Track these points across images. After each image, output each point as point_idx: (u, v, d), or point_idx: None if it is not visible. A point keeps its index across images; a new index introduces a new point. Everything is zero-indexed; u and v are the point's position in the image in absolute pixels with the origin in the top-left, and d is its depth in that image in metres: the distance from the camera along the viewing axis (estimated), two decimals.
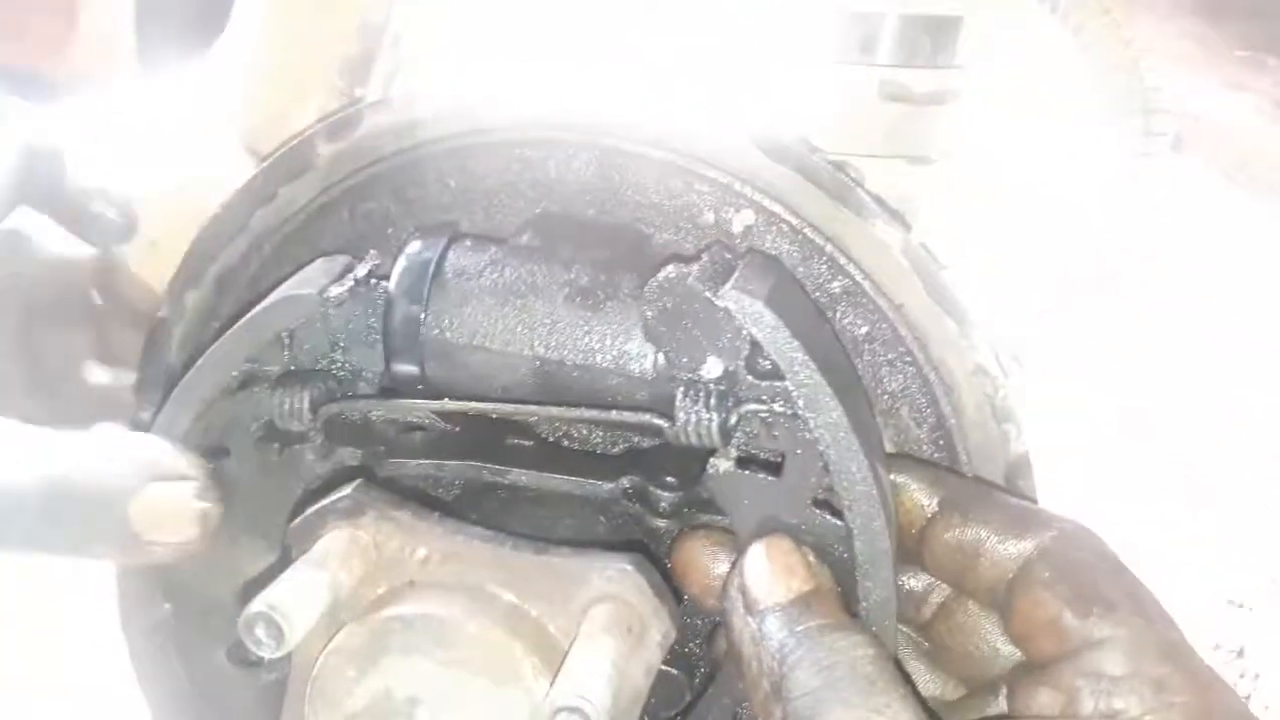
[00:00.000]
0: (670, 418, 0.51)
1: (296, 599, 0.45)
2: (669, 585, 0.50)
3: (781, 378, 0.49)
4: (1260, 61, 0.81)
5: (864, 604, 0.50)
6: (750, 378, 0.51)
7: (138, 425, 0.68)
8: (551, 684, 0.45)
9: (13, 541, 0.55)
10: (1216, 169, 1.15)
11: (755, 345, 0.50)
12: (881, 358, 0.59)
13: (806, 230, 0.58)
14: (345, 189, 0.64)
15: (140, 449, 0.55)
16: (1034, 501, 0.59)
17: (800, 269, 0.59)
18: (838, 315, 0.59)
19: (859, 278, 0.58)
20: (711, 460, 0.52)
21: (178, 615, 0.59)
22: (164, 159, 0.71)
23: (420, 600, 0.47)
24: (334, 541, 0.48)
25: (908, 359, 0.59)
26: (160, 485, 0.53)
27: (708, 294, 0.51)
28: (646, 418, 0.52)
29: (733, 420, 0.51)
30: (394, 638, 0.47)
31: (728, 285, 0.51)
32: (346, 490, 0.50)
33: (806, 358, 0.49)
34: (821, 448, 0.49)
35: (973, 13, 0.62)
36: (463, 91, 0.61)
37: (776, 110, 0.67)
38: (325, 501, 0.50)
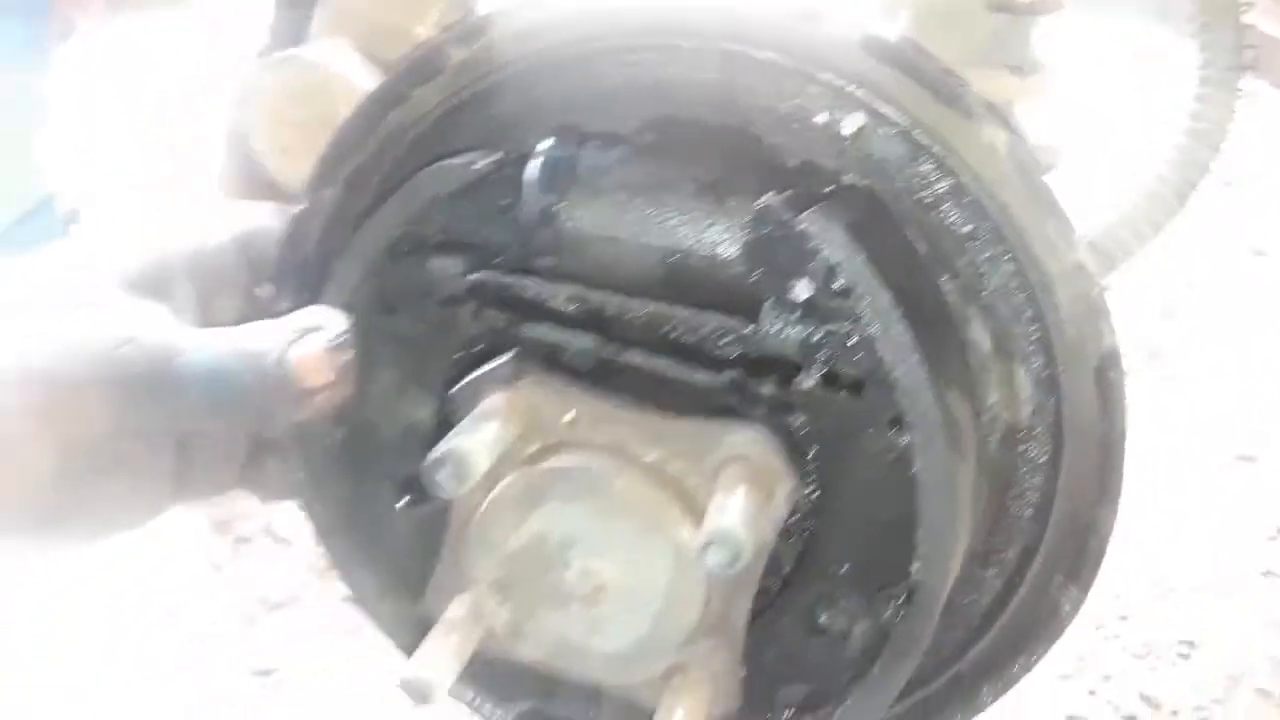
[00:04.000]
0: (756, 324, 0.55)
1: (472, 447, 0.50)
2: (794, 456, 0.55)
3: (854, 295, 0.54)
4: None
5: (921, 530, 0.54)
6: (826, 299, 0.55)
7: (275, 315, 0.73)
8: (693, 529, 0.51)
9: (198, 413, 0.62)
10: (1270, 81, 1.16)
11: (832, 267, 0.54)
12: (983, 255, 0.62)
13: (915, 132, 0.61)
14: (472, 93, 0.68)
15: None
16: (1121, 394, 0.63)
17: (908, 169, 0.62)
18: (943, 213, 0.62)
19: (965, 178, 0.61)
20: (797, 378, 0.56)
21: (351, 442, 0.65)
22: (292, 67, 0.76)
23: (573, 455, 0.53)
24: (495, 402, 0.54)
25: (1008, 257, 0.62)
26: (306, 336, 0.61)
27: (788, 218, 0.55)
28: (733, 321, 0.56)
29: (815, 337, 0.55)
30: (550, 488, 0.53)
31: (810, 210, 0.55)
32: (505, 358, 0.55)
33: (877, 279, 0.53)
34: (887, 366, 0.53)
35: None
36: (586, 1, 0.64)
37: (886, 18, 0.70)
38: (486, 368, 0.56)
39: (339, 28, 0.77)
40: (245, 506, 1.93)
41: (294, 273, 0.73)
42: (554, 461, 0.53)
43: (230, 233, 0.73)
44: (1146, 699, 1.73)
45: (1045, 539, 0.67)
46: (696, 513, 0.52)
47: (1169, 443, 2.13)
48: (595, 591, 0.53)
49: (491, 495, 0.54)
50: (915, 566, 0.54)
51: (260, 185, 0.91)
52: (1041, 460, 0.66)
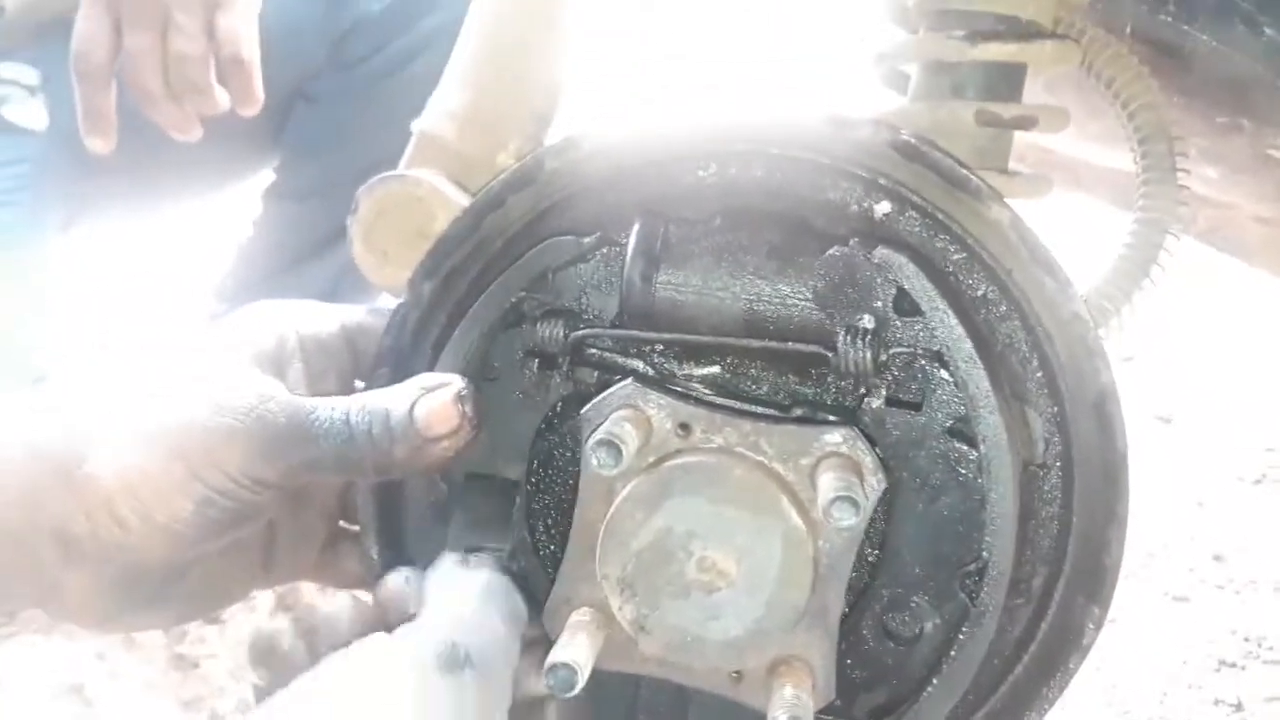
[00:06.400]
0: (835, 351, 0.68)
1: (622, 434, 0.59)
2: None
3: (922, 314, 0.67)
4: (1237, 125, 1.02)
5: (990, 514, 0.65)
6: (895, 316, 0.67)
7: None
8: (799, 515, 0.60)
9: (327, 462, 0.70)
10: (1194, 233, 1.37)
11: (901, 291, 0.67)
12: (995, 313, 0.75)
13: (934, 213, 0.75)
14: (560, 198, 0.80)
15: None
16: (1120, 422, 0.75)
17: (929, 244, 0.76)
18: (960, 280, 0.76)
19: (976, 249, 0.74)
20: (866, 399, 0.68)
21: (450, 497, 0.73)
22: (393, 185, 0.88)
23: (692, 455, 0.62)
24: (623, 413, 0.63)
25: (1015, 314, 0.75)
26: (431, 393, 0.70)
27: (863, 255, 0.69)
28: (817, 348, 0.68)
29: (883, 357, 0.67)
30: (675, 483, 0.62)
31: (879, 248, 0.69)
32: (627, 382, 0.65)
33: (941, 298, 0.66)
34: (950, 372, 0.65)
35: (1035, 63, 0.83)
36: (658, 120, 0.78)
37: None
38: (611, 391, 0.65)
39: (427, 160, 0.90)
40: (219, 681, 1.90)
41: (393, 355, 0.82)
42: (677, 460, 0.62)
43: (340, 322, 0.83)
44: None
45: (1066, 563, 0.76)
46: (799, 503, 0.62)
47: None
48: (714, 579, 0.62)
49: (622, 495, 0.62)
50: (985, 542, 0.64)
51: None
52: (1056, 491, 0.77)
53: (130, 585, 0.72)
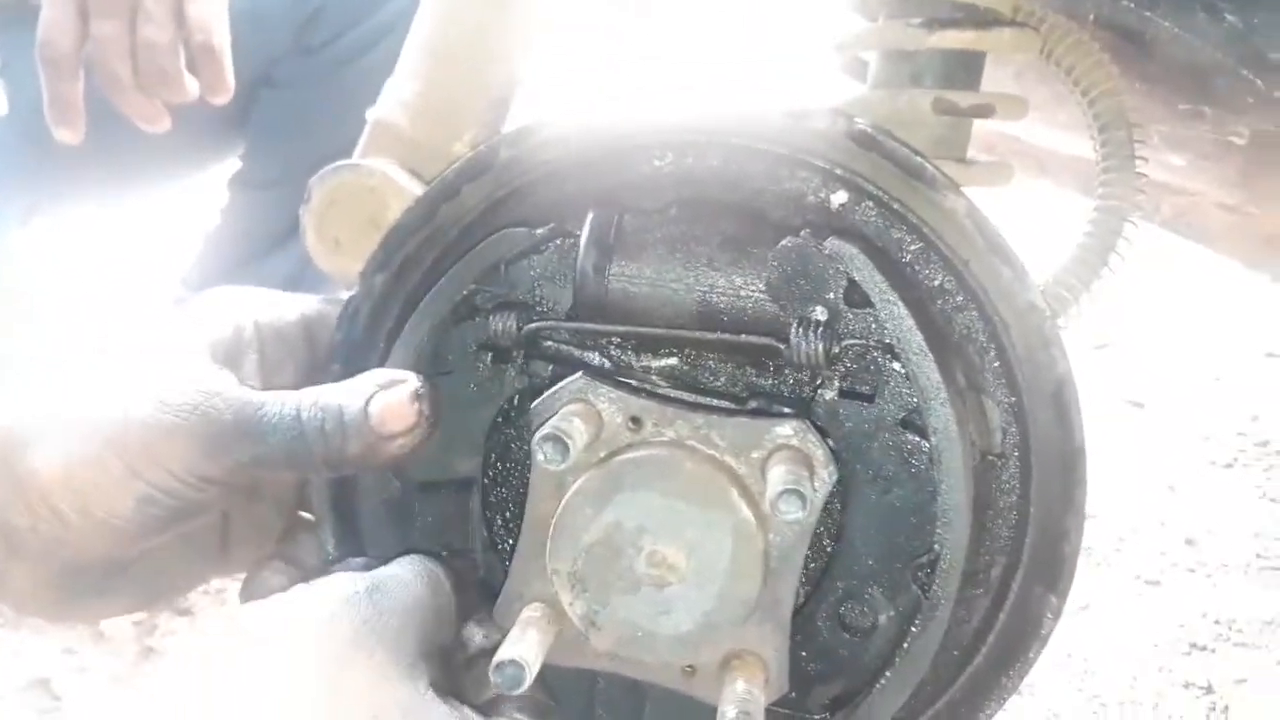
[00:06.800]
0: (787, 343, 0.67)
1: (570, 429, 0.59)
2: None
3: (873, 306, 0.66)
4: (1199, 112, 1.02)
5: (942, 505, 0.64)
6: (847, 308, 0.67)
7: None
8: (749, 508, 0.59)
9: (276, 459, 0.68)
10: (1158, 220, 1.37)
11: (852, 283, 0.67)
12: (951, 303, 0.75)
13: (891, 203, 0.74)
14: (516, 186, 0.79)
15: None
16: (1077, 411, 0.74)
17: (885, 234, 0.75)
18: (916, 270, 0.75)
19: (932, 238, 0.74)
20: (819, 390, 0.67)
21: (403, 493, 0.72)
22: (345, 174, 0.87)
23: (643, 449, 0.62)
24: (573, 407, 0.62)
25: (972, 303, 0.75)
26: (386, 389, 0.69)
27: (815, 246, 0.68)
28: (769, 340, 0.68)
29: (835, 349, 0.67)
30: (626, 477, 0.61)
31: (830, 239, 0.68)
32: (577, 376, 0.64)
33: (892, 289, 0.66)
34: (902, 364, 0.65)
35: (994, 50, 0.82)
36: (616, 109, 0.77)
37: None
38: (561, 384, 0.64)
39: (381, 148, 0.89)
40: None
41: (345, 349, 0.81)
42: (628, 454, 0.61)
43: (299, 311, 0.81)
44: None
45: (1024, 553, 0.76)
46: (750, 496, 0.61)
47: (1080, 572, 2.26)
48: (665, 573, 0.61)
49: (572, 489, 0.62)
50: (937, 534, 0.64)
51: None
52: (1014, 481, 0.77)
53: (73, 577, 0.71)
